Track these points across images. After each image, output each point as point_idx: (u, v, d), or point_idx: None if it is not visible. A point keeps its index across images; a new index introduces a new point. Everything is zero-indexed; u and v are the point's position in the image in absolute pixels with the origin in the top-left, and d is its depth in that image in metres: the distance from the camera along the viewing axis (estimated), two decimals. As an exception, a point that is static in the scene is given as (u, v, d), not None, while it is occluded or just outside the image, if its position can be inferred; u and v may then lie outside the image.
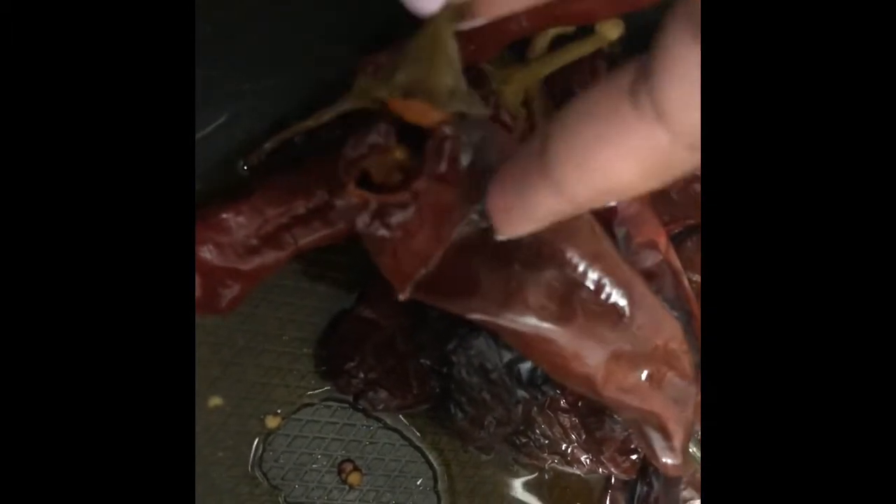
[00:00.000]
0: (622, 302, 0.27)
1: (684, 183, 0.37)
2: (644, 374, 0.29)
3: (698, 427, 0.43)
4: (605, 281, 0.26)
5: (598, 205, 0.19)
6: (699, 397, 0.36)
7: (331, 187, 0.30)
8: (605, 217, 0.31)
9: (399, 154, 0.25)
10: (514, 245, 0.26)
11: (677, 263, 0.34)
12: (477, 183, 0.23)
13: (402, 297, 0.26)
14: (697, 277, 0.37)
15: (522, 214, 0.20)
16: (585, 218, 0.27)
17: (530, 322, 0.26)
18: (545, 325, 0.26)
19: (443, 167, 0.23)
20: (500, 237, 0.22)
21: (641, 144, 0.17)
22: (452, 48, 0.19)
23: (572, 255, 0.26)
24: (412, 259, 0.25)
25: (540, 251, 0.26)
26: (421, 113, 0.21)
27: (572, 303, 0.26)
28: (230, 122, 0.35)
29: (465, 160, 0.24)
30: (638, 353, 0.28)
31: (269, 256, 0.32)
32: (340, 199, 0.26)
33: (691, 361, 0.30)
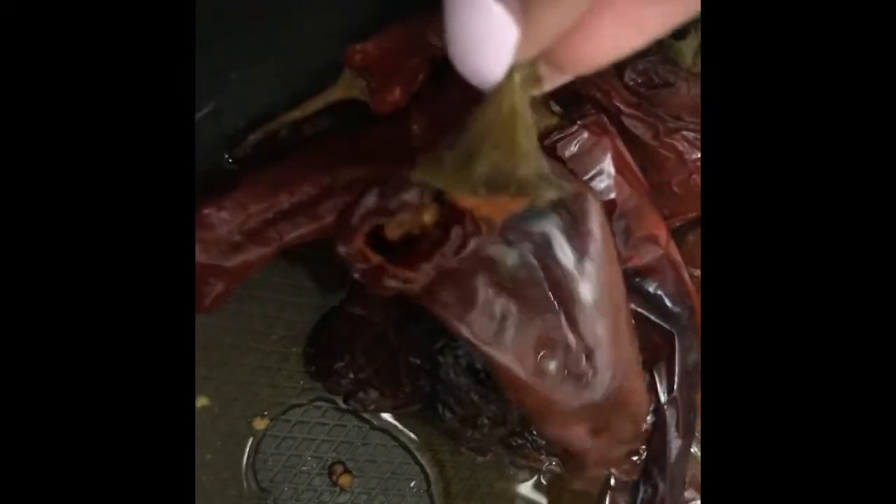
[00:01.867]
0: (588, 369, 0.27)
1: (686, 175, 0.36)
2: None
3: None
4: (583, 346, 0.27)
5: None
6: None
7: (315, 181, 0.28)
8: (605, 210, 0.30)
9: (427, 217, 0.21)
10: (521, 282, 0.25)
11: (678, 258, 0.33)
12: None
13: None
14: (699, 272, 0.36)
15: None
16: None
17: (505, 360, 0.26)
18: (516, 368, 0.26)
19: (453, 263, 0.22)
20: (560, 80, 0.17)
21: None
22: (530, 121, 0.15)
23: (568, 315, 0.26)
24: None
25: (540, 298, 0.26)
26: (500, 207, 0.17)
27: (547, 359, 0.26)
28: (215, 113, 0.34)
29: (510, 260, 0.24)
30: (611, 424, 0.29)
31: (254, 253, 0.31)
32: (343, 245, 0.23)
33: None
